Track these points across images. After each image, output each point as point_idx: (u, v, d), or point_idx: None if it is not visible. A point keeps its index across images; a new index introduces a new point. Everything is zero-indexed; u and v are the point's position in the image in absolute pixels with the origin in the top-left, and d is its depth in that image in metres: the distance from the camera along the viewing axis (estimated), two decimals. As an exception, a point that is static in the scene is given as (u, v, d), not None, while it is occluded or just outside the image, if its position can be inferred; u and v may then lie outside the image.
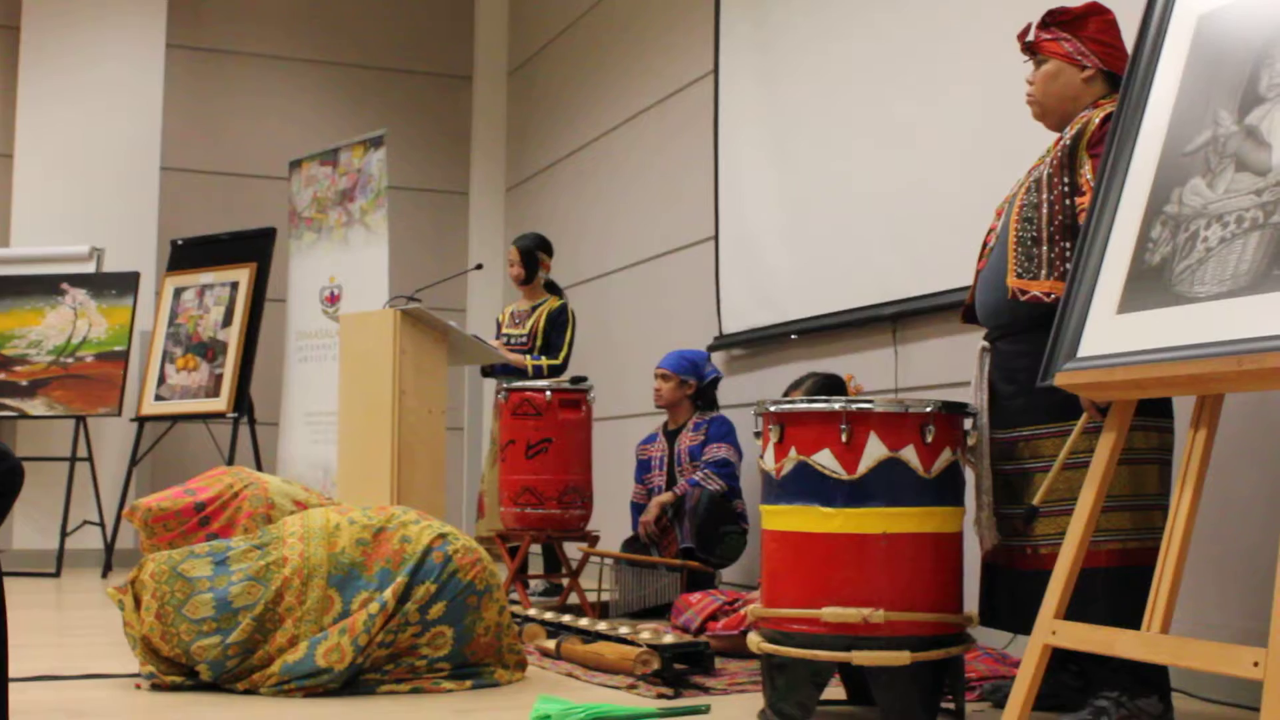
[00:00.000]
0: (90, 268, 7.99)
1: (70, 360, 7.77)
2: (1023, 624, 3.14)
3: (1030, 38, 3.40)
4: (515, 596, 5.63)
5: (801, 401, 3.22)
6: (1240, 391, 2.55)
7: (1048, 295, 3.15)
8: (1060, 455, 3.04)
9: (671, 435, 5.97)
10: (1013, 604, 3.26)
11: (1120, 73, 3.25)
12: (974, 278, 3.50)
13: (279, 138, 8.97)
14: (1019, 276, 3.22)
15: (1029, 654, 2.66)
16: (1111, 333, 2.63)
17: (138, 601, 3.57)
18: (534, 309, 6.52)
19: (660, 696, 3.49)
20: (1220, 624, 3.60)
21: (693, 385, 5.95)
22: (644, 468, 6.06)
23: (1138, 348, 2.53)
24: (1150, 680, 3.06)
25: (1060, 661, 3.28)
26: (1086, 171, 3.17)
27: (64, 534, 7.46)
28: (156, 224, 8.33)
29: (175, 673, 3.55)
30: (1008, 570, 3.29)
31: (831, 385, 4.93)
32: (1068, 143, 3.24)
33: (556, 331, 6.43)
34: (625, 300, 7.63)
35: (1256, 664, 2.18)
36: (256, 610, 3.51)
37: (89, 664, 3.96)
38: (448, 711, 3.33)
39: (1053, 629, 2.65)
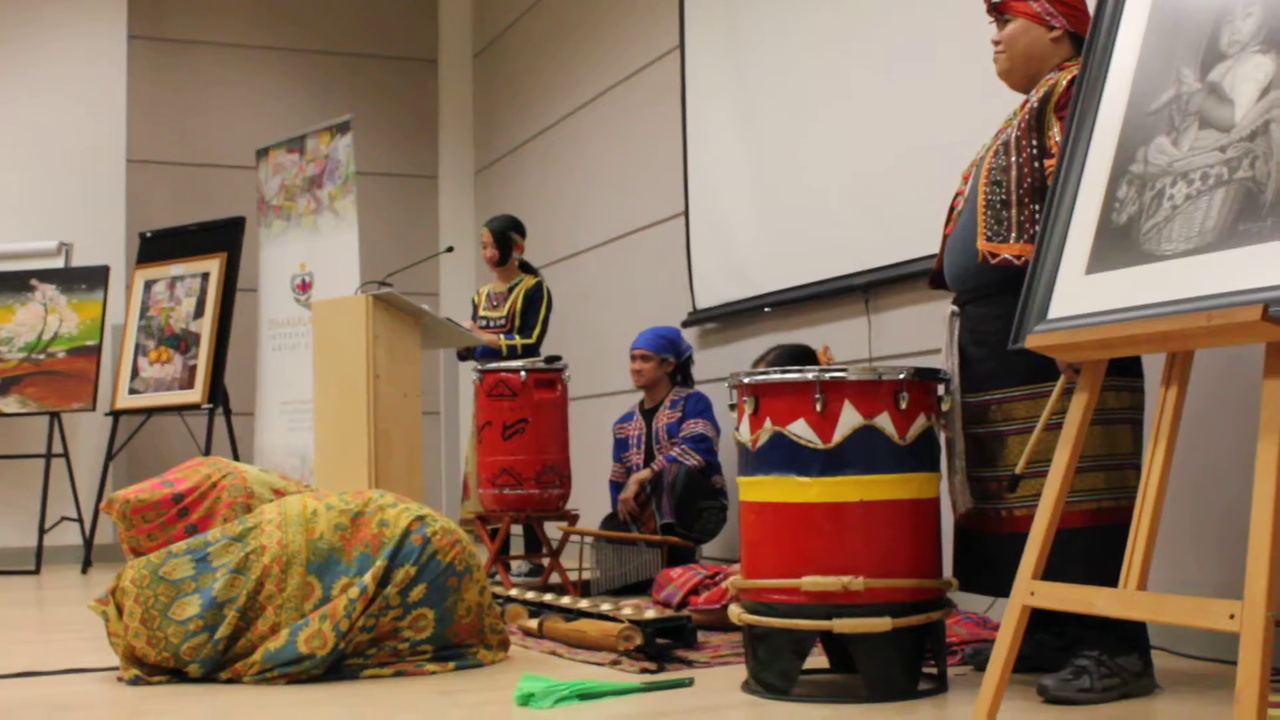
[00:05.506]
0: (59, 263, 7.94)
1: (42, 356, 7.72)
2: (999, 587, 3.16)
3: (997, -1, 3.41)
4: (497, 578, 5.63)
5: (775, 372, 3.22)
6: (1209, 347, 2.56)
7: (1018, 258, 3.16)
8: (1042, 418, 3.04)
9: (649, 413, 5.97)
10: (988, 568, 3.28)
11: (1085, 35, 3.26)
12: (941, 243, 3.51)
13: (245, 126, 8.91)
14: (989, 239, 3.22)
15: (1008, 615, 2.67)
16: (1080, 293, 2.63)
17: (120, 610, 3.54)
18: (510, 290, 6.50)
19: (644, 671, 3.50)
20: (1198, 580, 3.62)
21: (671, 363, 5.96)
22: (621, 446, 6.05)
23: (1107, 307, 2.53)
24: (1130, 638, 3.08)
25: (1040, 622, 3.30)
26: (1055, 134, 3.18)
27: (42, 531, 7.41)
28: (124, 217, 8.27)
29: (162, 675, 3.53)
30: (982, 534, 3.31)
31: (798, 355, 4.91)
32: (1035, 105, 3.24)
33: (531, 310, 6.42)
34: (597, 278, 7.62)
35: (1233, 616, 2.19)
36: (240, 601, 3.49)
37: (71, 659, 3.94)
38: (431, 693, 3.33)
39: (1031, 590, 2.66)
